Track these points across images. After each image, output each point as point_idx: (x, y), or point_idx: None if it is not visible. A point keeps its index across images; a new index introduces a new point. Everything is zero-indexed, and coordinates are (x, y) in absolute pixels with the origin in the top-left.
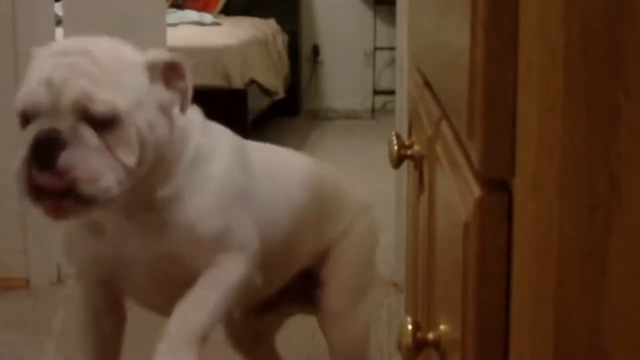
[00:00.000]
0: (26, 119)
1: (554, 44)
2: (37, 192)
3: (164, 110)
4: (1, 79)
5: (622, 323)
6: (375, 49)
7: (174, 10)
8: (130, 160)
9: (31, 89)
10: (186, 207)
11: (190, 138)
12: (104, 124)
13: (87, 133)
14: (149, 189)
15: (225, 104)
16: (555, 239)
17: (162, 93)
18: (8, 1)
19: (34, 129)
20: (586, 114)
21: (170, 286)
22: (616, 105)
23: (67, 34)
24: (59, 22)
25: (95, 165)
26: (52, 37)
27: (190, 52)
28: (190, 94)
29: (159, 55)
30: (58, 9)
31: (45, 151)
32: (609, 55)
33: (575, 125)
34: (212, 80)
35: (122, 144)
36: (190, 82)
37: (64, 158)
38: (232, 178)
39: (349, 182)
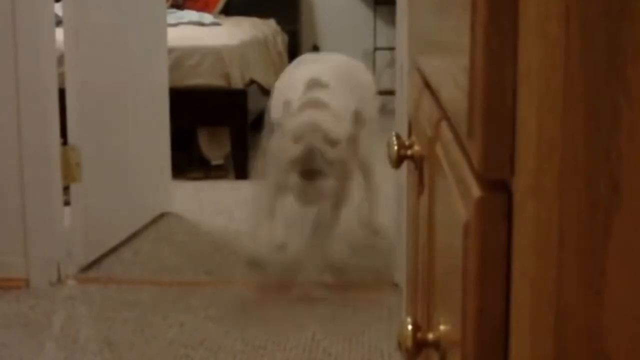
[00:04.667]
0: None
1: (554, 44)
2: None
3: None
4: (1, 79)
5: (622, 323)
6: (375, 49)
7: (174, 10)
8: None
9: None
10: None
11: None
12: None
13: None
14: None
15: (225, 104)
16: (555, 239)
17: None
18: (8, 1)
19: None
20: (586, 114)
21: None
22: (616, 105)
23: (67, 34)
24: (59, 22)
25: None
26: (52, 37)
27: (190, 52)
28: None
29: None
30: (58, 9)
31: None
32: (609, 55)
33: (575, 125)
34: (212, 80)
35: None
36: None
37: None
38: None
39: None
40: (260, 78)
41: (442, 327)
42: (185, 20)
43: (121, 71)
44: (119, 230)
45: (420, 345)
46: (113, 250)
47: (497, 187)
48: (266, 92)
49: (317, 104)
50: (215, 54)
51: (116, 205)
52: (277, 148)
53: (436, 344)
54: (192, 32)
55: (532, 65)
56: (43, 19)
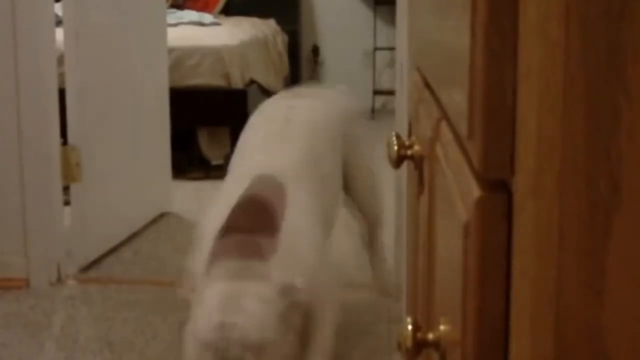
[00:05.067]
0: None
1: (554, 44)
2: None
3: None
4: (1, 79)
5: (622, 323)
6: (375, 49)
7: (174, 10)
8: None
9: None
10: None
11: None
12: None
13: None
14: None
15: (225, 104)
16: (555, 239)
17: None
18: (8, 1)
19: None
20: (586, 114)
21: None
22: (616, 105)
23: (67, 34)
24: (59, 22)
25: None
26: (52, 37)
27: (190, 52)
28: None
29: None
30: (58, 9)
31: None
32: (609, 55)
33: (575, 125)
34: (212, 80)
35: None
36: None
37: None
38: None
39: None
40: (260, 78)
41: (442, 327)
42: (185, 20)
43: (121, 71)
44: (119, 230)
45: (420, 345)
46: (113, 250)
47: (497, 187)
48: (266, 92)
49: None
50: (215, 54)
51: (116, 205)
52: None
53: (436, 344)
54: (192, 32)
55: (532, 65)
56: (43, 19)
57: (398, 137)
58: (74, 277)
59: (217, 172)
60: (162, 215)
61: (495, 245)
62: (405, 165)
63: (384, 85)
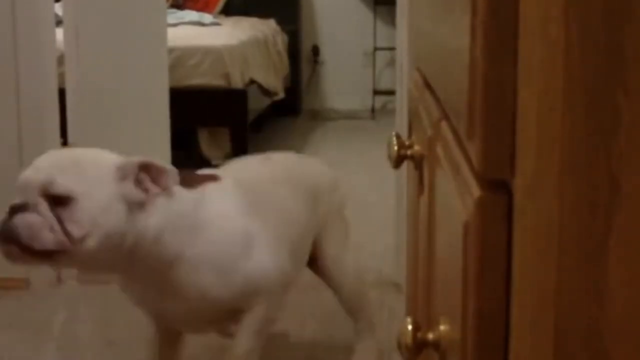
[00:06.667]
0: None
1: (554, 44)
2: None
3: (126, 202)
4: (1, 79)
5: (622, 323)
6: (375, 49)
7: (174, 10)
8: (76, 231)
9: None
10: (192, 275)
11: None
12: (60, 201)
13: (42, 206)
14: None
15: (225, 104)
16: (555, 239)
17: (126, 189)
18: (8, 1)
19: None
20: (586, 114)
21: (208, 318)
22: (616, 105)
23: (67, 34)
24: (59, 22)
25: (36, 225)
26: (52, 37)
27: (190, 52)
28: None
29: (133, 159)
30: (58, 9)
31: (11, 214)
32: (609, 55)
33: (575, 126)
34: (212, 80)
35: (73, 218)
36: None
37: (17, 218)
38: (230, 237)
39: (314, 164)
40: (260, 78)
41: (442, 327)
42: (186, 20)
43: (121, 71)
44: None
45: (420, 345)
46: None
47: (497, 187)
48: (266, 92)
49: None
50: (215, 54)
51: None
52: None
53: (436, 344)
54: (192, 32)
55: (532, 65)
56: (43, 19)
57: (398, 137)
58: (74, 277)
59: None
60: None
61: (495, 245)
62: (405, 165)
63: (384, 85)
